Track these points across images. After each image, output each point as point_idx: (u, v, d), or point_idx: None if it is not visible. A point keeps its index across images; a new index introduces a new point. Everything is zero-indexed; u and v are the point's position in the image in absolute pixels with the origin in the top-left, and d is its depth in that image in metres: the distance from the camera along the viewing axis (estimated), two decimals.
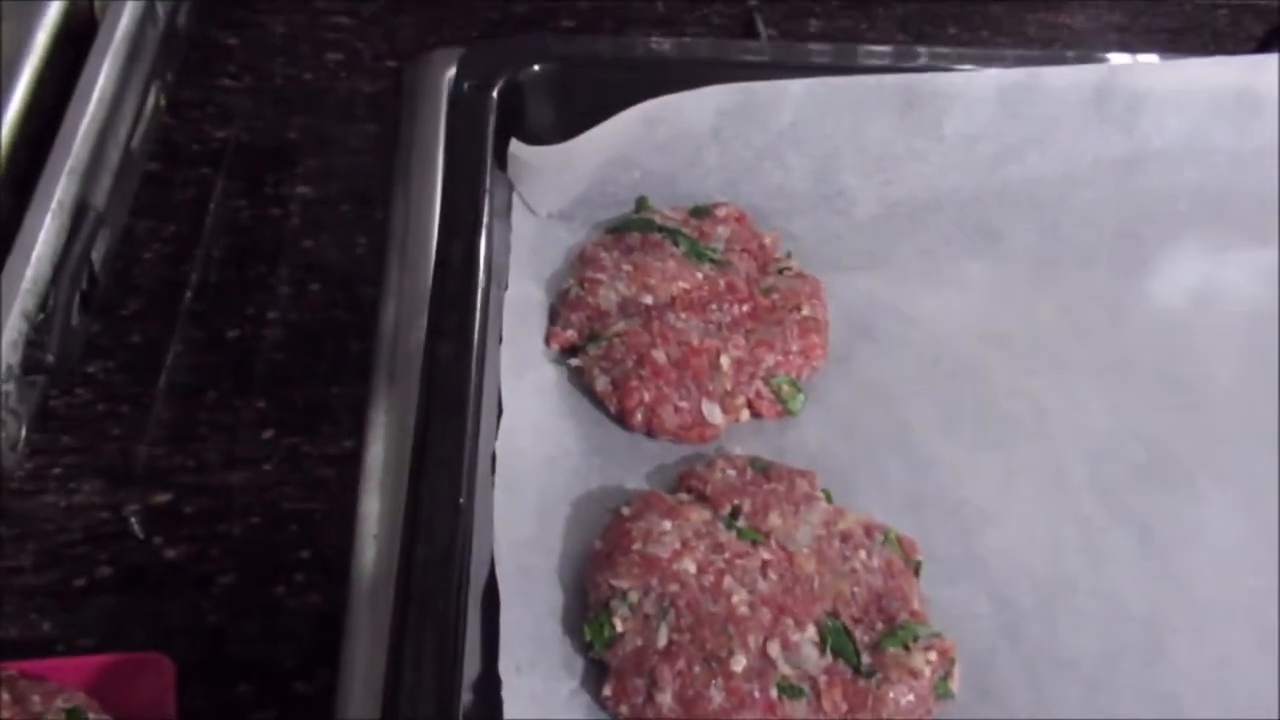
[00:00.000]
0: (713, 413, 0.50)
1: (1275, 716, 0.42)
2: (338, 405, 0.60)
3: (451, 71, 0.60)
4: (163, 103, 0.69)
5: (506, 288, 0.52)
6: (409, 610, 0.38)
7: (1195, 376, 0.54)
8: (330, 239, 0.69)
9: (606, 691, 0.41)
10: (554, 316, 0.53)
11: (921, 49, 0.63)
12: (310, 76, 0.79)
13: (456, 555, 0.39)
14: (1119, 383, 0.53)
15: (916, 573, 0.45)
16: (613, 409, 0.50)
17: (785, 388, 0.51)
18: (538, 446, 0.48)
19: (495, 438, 0.46)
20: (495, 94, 0.56)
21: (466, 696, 0.40)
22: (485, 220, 0.50)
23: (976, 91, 0.58)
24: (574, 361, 0.51)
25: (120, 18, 0.53)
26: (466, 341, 0.45)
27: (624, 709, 0.41)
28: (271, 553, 0.55)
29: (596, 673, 0.42)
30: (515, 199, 0.57)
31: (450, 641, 0.37)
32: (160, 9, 0.58)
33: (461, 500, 0.40)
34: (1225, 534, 0.48)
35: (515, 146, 0.55)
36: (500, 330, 0.50)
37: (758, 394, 0.51)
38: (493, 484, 0.45)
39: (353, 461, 0.54)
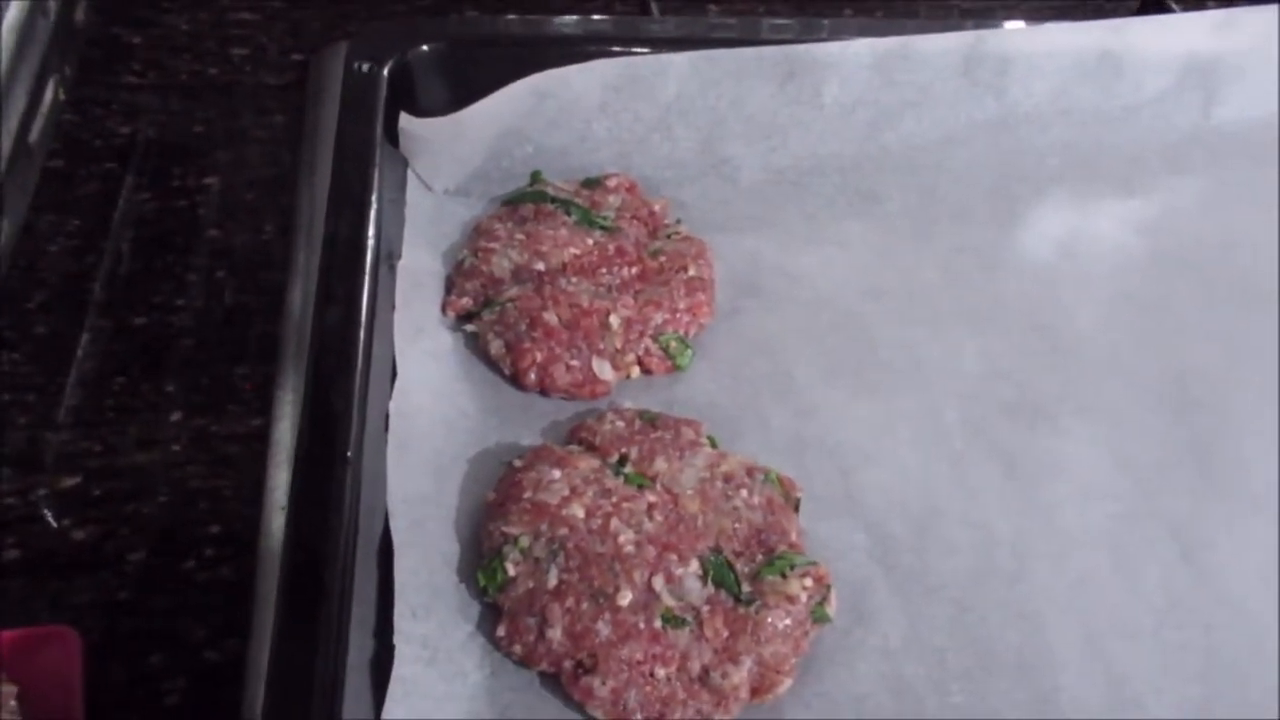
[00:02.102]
0: (603, 370, 0.52)
1: (1129, 633, 0.45)
2: (244, 385, 0.61)
3: None
4: (62, 97, 0.69)
5: (400, 259, 0.53)
6: (297, 557, 0.39)
7: (1062, 322, 0.57)
8: (237, 227, 0.70)
9: (500, 632, 0.43)
10: (450, 285, 0.55)
11: (824, 21, 0.66)
12: (215, 72, 0.80)
13: (345, 506, 0.41)
14: (990, 330, 0.56)
15: (796, 509, 0.47)
16: (507, 370, 0.52)
17: (673, 344, 0.53)
18: (434, 408, 0.49)
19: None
20: (385, 73, 0.57)
21: (366, 644, 0.41)
22: (375, 194, 0.52)
23: (853, 60, 0.61)
24: (469, 327, 0.53)
25: (7, 7, 0.53)
26: (354, 307, 0.47)
27: (517, 647, 0.42)
28: (181, 529, 0.55)
29: (491, 616, 0.44)
30: (410, 176, 0.58)
31: (336, 585, 0.39)
32: (50, 1, 0.58)
33: (349, 453, 0.42)
34: (1086, 465, 0.51)
35: (405, 120, 0.57)
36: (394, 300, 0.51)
37: (647, 351, 0.53)
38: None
39: (260, 439, 0.56)
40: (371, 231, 0.50)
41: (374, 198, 0.52)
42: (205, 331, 0.64)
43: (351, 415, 0.43)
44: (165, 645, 0.51)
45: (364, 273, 0.48)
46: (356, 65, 0.57)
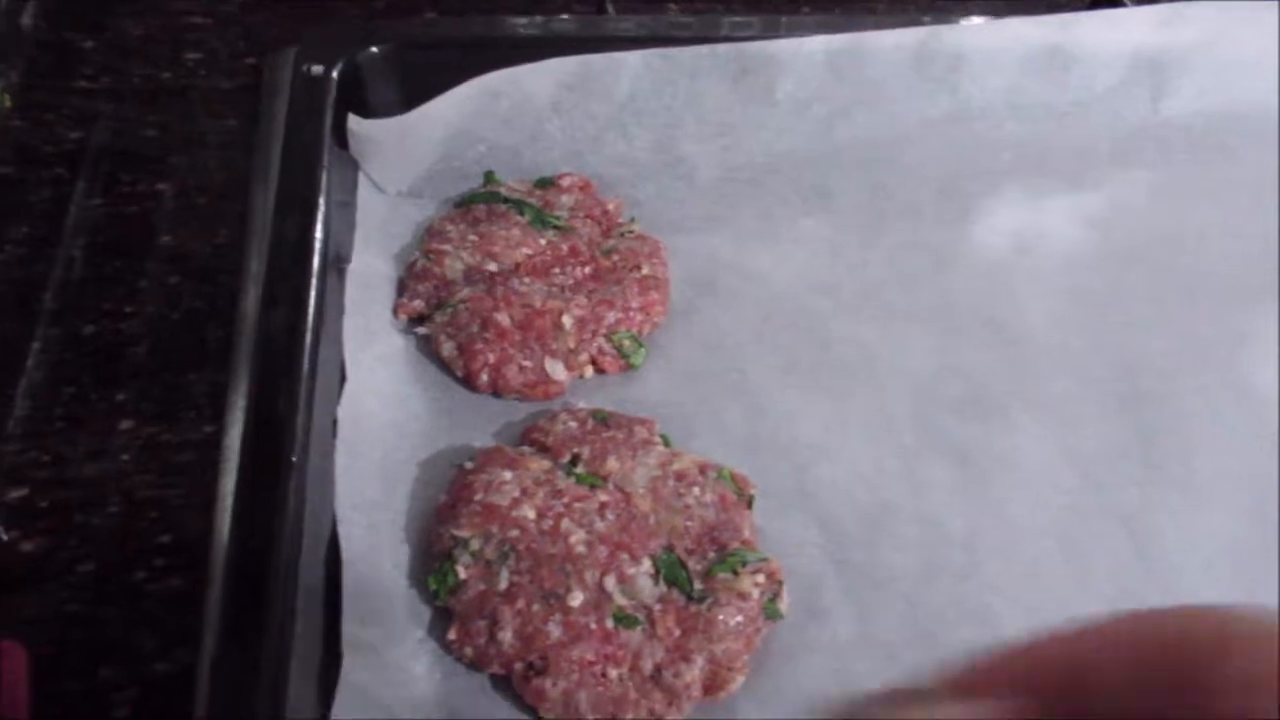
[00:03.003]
0: (556, 370, 0.51)
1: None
2: (197, 392, 0.60)
3: None
4: (7, 104, 0.68)
5: (349, 263, 0.53)
6: (241, 564, 0.39)
7: (1013, 316, 0.57)
8: (190, 233, 0.69)
9: (450, 635, 0.42)
10: (401, 289, 0.55)
11: (782, 18, 0.66)
12: (168, 76, 0.79)
13: (289, 511, 0.40)
14: (942, 325, 0.56)
15: (749, 506, 0.47)
16: (459, 372, 0.51)
17: (627, 343, 0.53)
18: (384, 412, 0.49)
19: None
20: (335, 75, 0.57)
21: (314, 651, 0.41)
22: (322, 196, 0.51)
23: (805, 57, 0.61)
24: (421, 330, 0.53)
25: None
26: (300, 310, 0.46)
27: (468, 650, 0.42)
28: (131, 540, 0.54)
29: (442, 621, 0.44)
30: (362, 178, 0.58)
31: (280, 593, 0.38)
32: None
33: (294, 458, 0.41)
34: (1036, 459, 0.51)
35: (353, 121, 0.56)
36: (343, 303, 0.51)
37: (600, 350, 0.52)
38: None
39: (212, 446, 0.55)
40: (319, 234, 0.50)
41: (321, 200, 0.51)
42: (158, 338, 0.63)
43: (296, 420, 0.43)
44: (115, 657, 0.51)
45: (310, 275, 0.48)
46: (305, 67, 0.57)
